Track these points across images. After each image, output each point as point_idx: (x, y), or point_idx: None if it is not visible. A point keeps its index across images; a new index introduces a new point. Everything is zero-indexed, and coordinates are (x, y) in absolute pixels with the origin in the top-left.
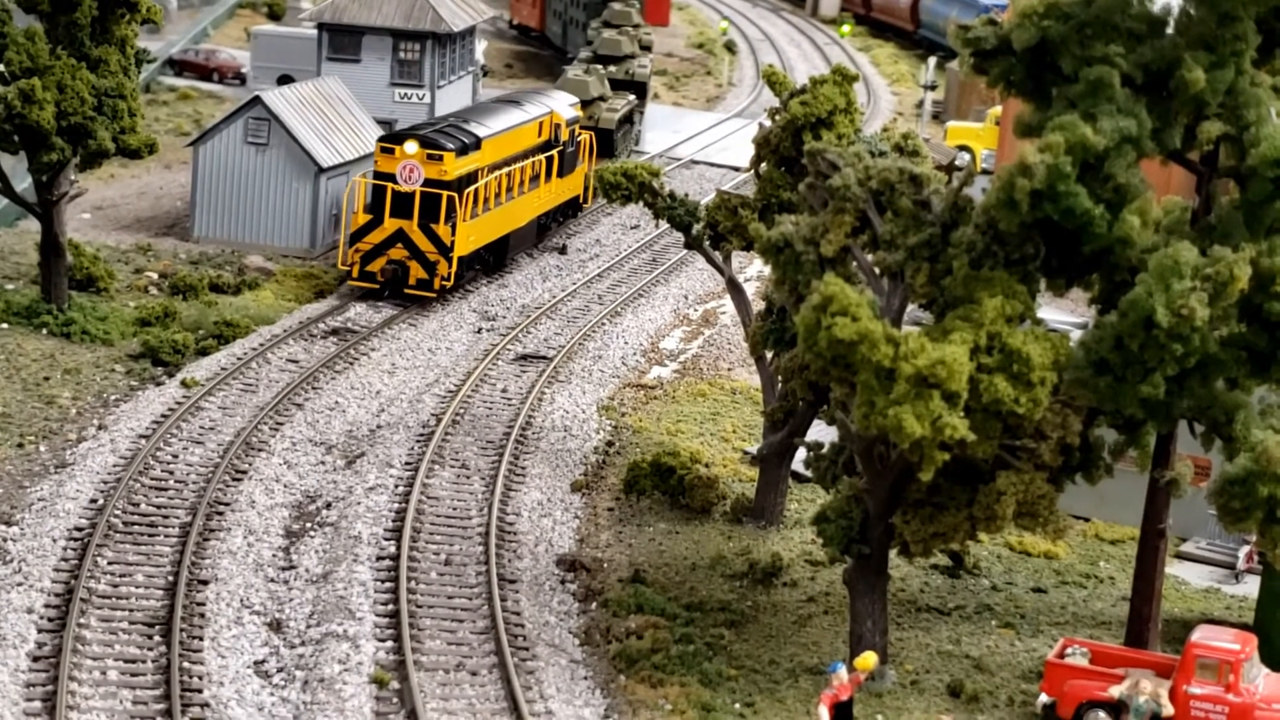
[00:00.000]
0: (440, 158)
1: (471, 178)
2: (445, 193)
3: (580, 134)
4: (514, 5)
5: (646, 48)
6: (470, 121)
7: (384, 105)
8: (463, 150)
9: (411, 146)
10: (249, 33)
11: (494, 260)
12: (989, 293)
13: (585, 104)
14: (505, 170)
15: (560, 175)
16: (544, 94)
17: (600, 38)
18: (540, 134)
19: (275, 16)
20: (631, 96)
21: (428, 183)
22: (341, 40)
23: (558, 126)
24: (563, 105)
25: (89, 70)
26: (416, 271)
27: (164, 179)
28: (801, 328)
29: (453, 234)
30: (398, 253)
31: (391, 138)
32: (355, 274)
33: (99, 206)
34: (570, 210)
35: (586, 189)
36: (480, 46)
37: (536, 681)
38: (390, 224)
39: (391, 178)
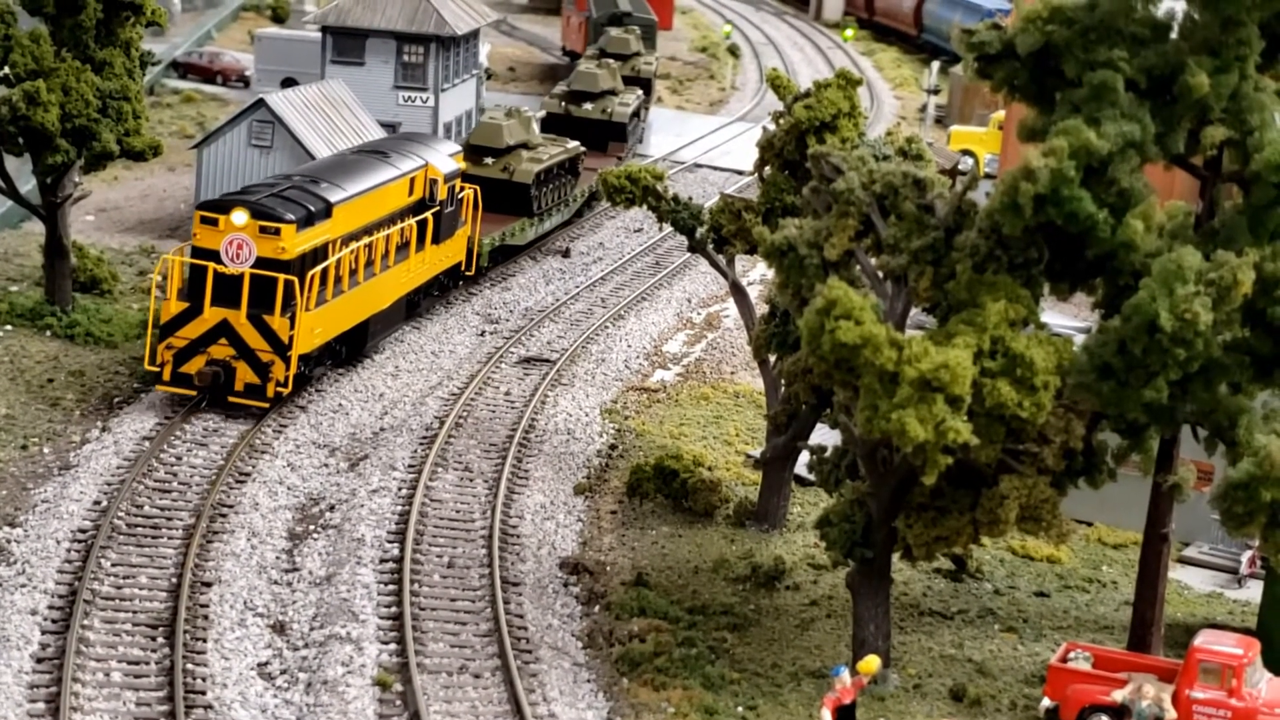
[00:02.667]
0: (276, 231)
1: (318, 254)
2: (282, 276)
3: (463, 189)
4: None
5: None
6: (321, 182)
7: (388, 108)
8: (306, 220)
9: (240, 217)
10: (253, 35)
11: (348, 351)
12: (992, 297)
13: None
14: (364, 241)
15: (437, 241)
16: (419, 143)
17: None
18: (411, 193)
19: (279, 19)
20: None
21: (260, 262)
22: (345, 43)
23: (433, 183)
24: (441, 157)
25: (93, 72)
26: (245, 375)
27: (168, 181)
28: (805, 331)
29: (292, 327)
30: (221, 350)
31: (214, 205)
32: (166, 376)
33: (103, 209)
34: (452, 278)
35: (470, 254)
36: (484, 50)
37: (539, 684)
38: (212, 314)
39: (214, 255)
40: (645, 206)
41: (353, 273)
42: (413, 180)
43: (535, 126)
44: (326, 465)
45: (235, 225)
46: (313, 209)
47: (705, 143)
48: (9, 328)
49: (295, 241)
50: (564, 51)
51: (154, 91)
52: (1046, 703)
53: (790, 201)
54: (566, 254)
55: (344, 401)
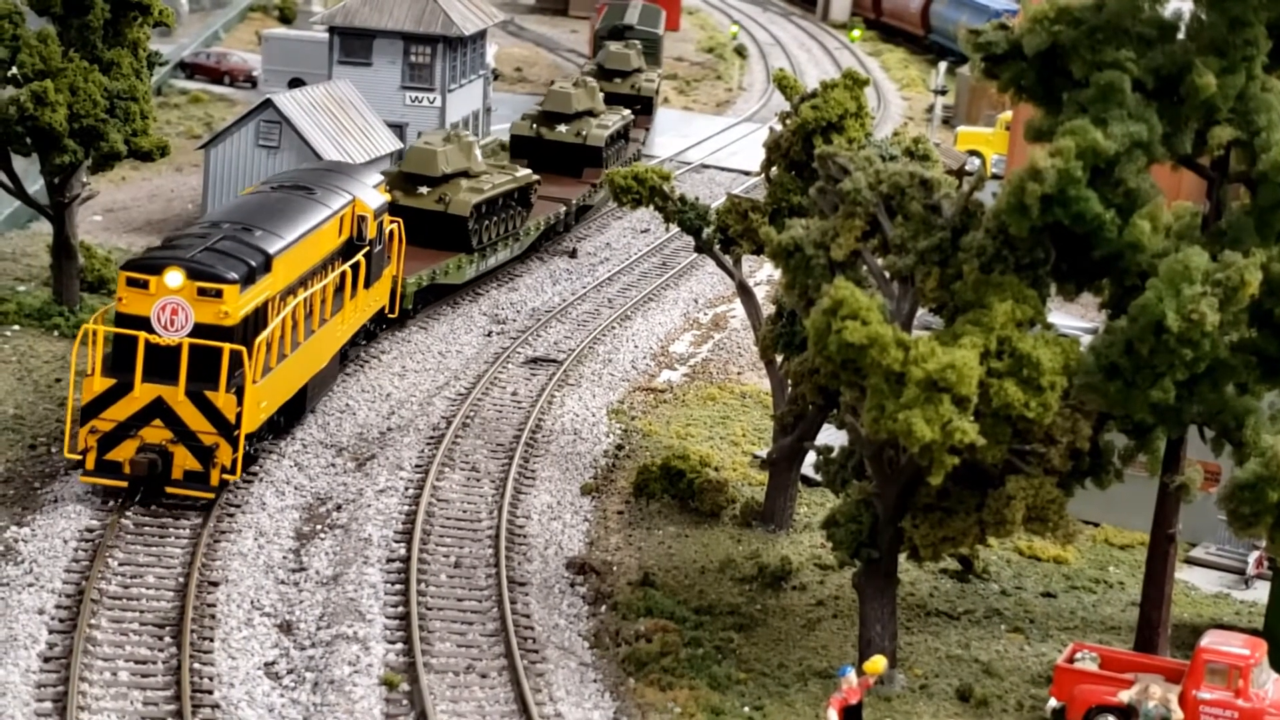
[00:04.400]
0: (218, 294)
1: (262, 316)
2: (227, 345)
3: (389, 224)
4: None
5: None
6: (255, 230)
7: (395, 108)
8: (249, 278)
9: (174, 278)
10: (260, 36)
11: (286, 419)
12: (999, 297)
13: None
14: (303, 295)
15: (367, 285)
16: (343, 174)
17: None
18: (341, 232)
19: (286, 20)
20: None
21: (200, 330)
22: (352, 43)
23: (362, 220)
24: (367, 190)
25: (101, 73)
26: (184, 460)
27: (175, 181)
28: (812, 331)
29: (239, 404)
30: (155, 433)
31: (142, 264)
32: (90, 465)
33: (110, 209)
34: (377, 323)
35: (393, 295)
36: (491, 50)
37: (546, 684)
38: (143, 391)
39: (144, 323)
40: (652, 207)
41: (294, 331)
42: (342, 219)
43: (477, 152)
44: (334, 465)
45: (169, 288)
46: (253, 264)
47: (712, 143)
48: (17, 328)
49: (239, 304)
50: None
51: (161, 92)
52: (1053, 703)
53: (797, 202)
54: (573, 254)
55: (351, 401)
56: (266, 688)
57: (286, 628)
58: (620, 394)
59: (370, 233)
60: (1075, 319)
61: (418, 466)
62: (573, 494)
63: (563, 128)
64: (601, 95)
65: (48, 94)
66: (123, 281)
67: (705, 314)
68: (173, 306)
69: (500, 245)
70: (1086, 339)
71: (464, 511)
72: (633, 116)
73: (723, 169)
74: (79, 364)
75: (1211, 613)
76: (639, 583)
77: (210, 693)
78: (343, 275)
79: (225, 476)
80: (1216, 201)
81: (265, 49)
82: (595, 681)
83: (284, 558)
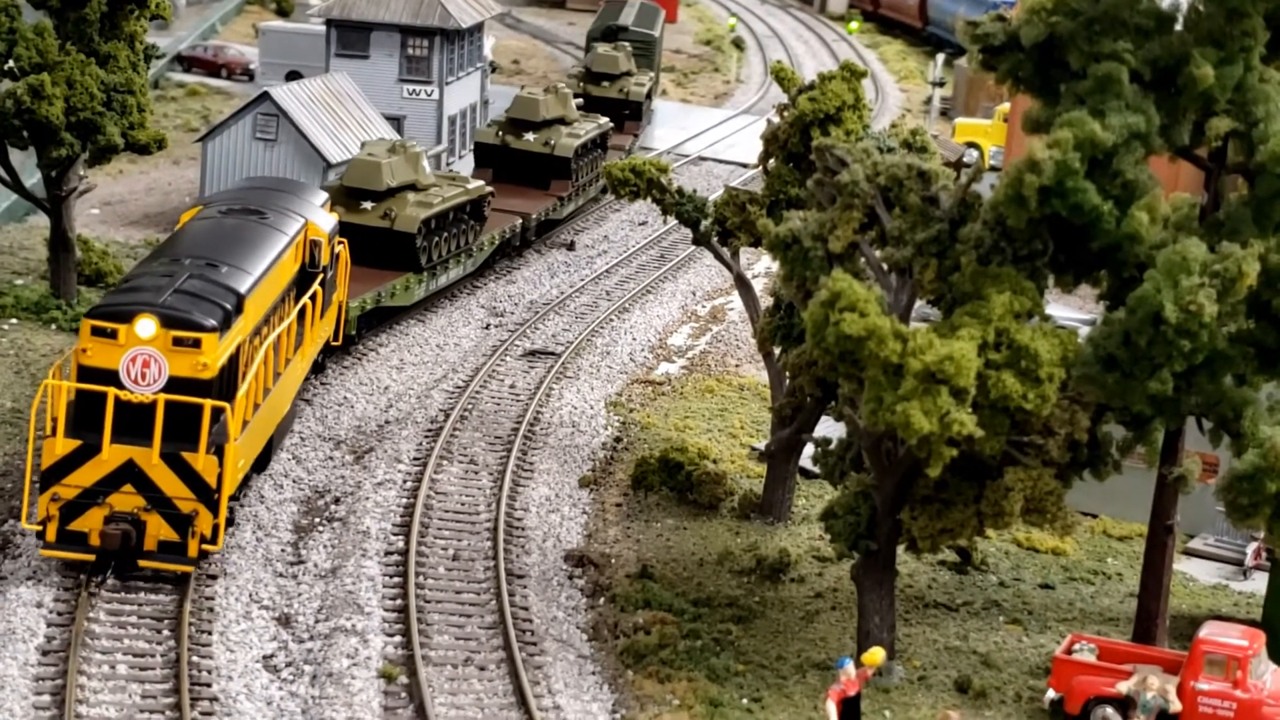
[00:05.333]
0: (195, 343)
1: (235, 364)
2: (209, 402)
3: (338, 246)
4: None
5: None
6: (221, 265)
7: (392, 101)
8: (225, 323)
9: (147, 326)
10: (257, 29)
11: (252, 473)
12: (997, 289)
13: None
14: (269, 335)
15: (322, 315)
16: (289, 193)
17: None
18: (297, 259)
19: (283, 13)
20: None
21: (174, 384)
22: (350, 36)
23: (315, 246)
24: (316, 210)
25: (98, 66)
26: (158, 530)
27: (173, 175)
28: (809, 323)
29: (220, 465)
30: (126, 501)
31: (109, 311)
32: (51, 536)
33: (108, 202)
34: (324, 354)
35: (338, 323)
36: (489, 43)
37: (544, 676)
38: (113, 454)
39: (112, 377)
40: (650, 199)
41: (262, 375)
42: (297, 246)
43: (425, 163)
44: (332, 458)
45: (140, 337)
46: (228, 307)
47: (710, 136)
48: (14, 321)
49: (218, 352)
50: None
51: (158, 85)
52: (1051, 694)
53: (795, 194)
54: (571, 247)
55: (349, 394)
56: (265, 680)
57: (285, 621)
58: (618, 386)
59: (324, 258)
60: (1073, 310)
61: (416, 459)
62: (571, 486)
63: (530, 136)
64: (575, 101)
65: (44, 87)
66: (86, 331)
67: (703, 306)
68: (144, 358)
69: (452, 263)
70: (1084, 330)
71: (462, 504)
72: (610, 125)
73: (720, 161)
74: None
75: (1210, 604)
76: (637, 575)
77: (209, 685)
78: (304, 306)
79: (205, 547)
80: (1214, 193)
81: (262, 42)
82: (594, 674)
83: (282, 551)
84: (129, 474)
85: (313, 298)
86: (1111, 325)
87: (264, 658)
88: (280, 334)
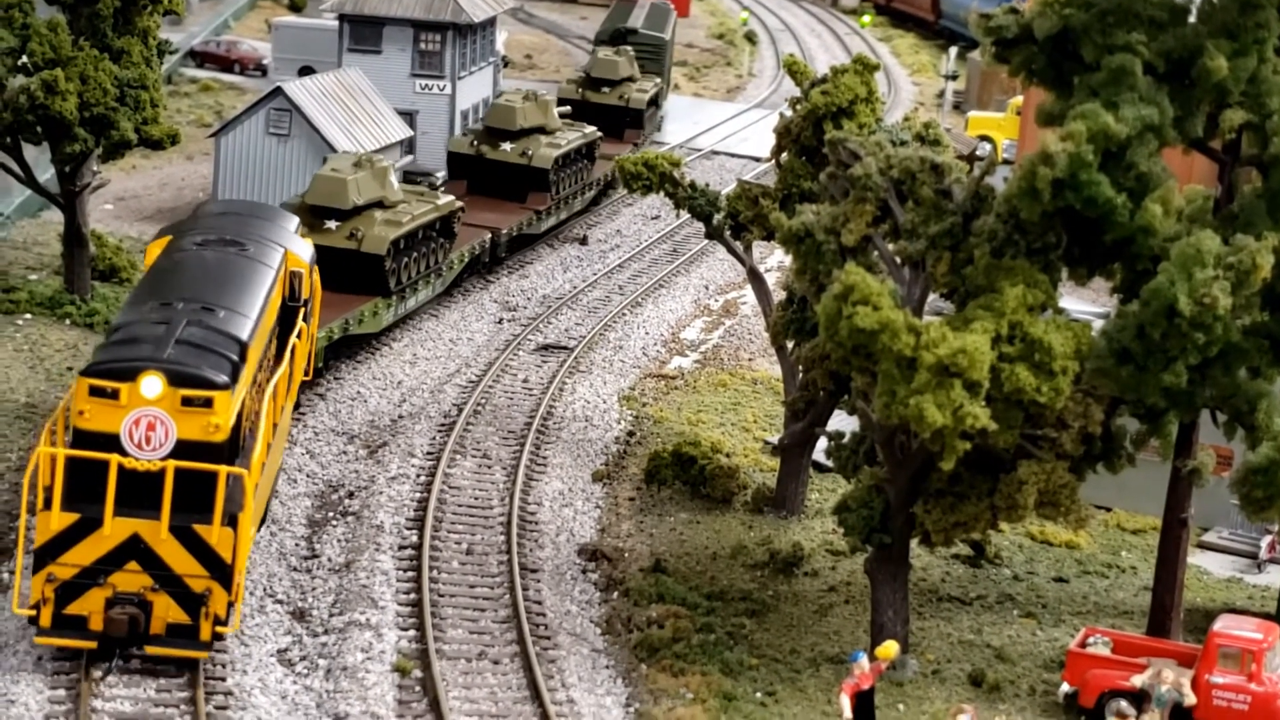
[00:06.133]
0: (207, 402)
1: (240, 421)
2: (223, 469)
3: (312, 275)
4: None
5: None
6: (215, 309)
7: (405, 96)
8: (233, 375)
9: (153, 385)
10: (270, 24)
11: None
12: (1010, 282)
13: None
14: (268, 383)
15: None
16: (262, 219)
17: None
18: (280, 293)
19: (296, 8)
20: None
21: (183, 448)
22: (362, 31)
23: (296, 278)
24: (292, 237)
25: (111, 61)
26: (167, 611)
27: (186, 170)
28: (822, 317)
29: (235, 538)
30: (130, 579)
31: (111, 369)
32: (46, 621)
33: (121, 197)
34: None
35: (309, 356)
36: (501, 37)
37: (558, 670)
38: (116, 528)
39: (112, 442)
40: (662, 193)
41: (261, 429)
42: (281, 280)
43: (393, 179)
44: (345, 452)
45: (145, 398)
46: (234, 358)
47: (722, 129)
48: (29, 316)
49: (230, 413)
50: None
51: (171, 80)
52: (1065, 688)
53: (808, 187)
54: (584, 241)
55: (362, 389)
56: (280, 675)
57: (299, 615)
58: (631, 381)
59: (305, 291)
60: (1087, 303)
61: (429, 453)
62: (584, 481)
63: (507, 146)
64: (562, 109)
65: (58, 83)
66: (83, 391)
67: (716, 300)
68: (149, 420)
69: (421, 284)
70: (1098, 323)
71: (475, 498)
72: (598, 134)
73: (733, 155)
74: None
75: (1224, 597)
76: (650, 569)
77: (223, 679)
78: (290, 346)
79: (219, 629)
80: (1228, 185)
81: (275, 37)
82: (607, 668)
83: (296, 545)
84: (134, 550)
85: (299, 334)
86: (1125, 318)
87: (279, 652)
88: (280, 381)
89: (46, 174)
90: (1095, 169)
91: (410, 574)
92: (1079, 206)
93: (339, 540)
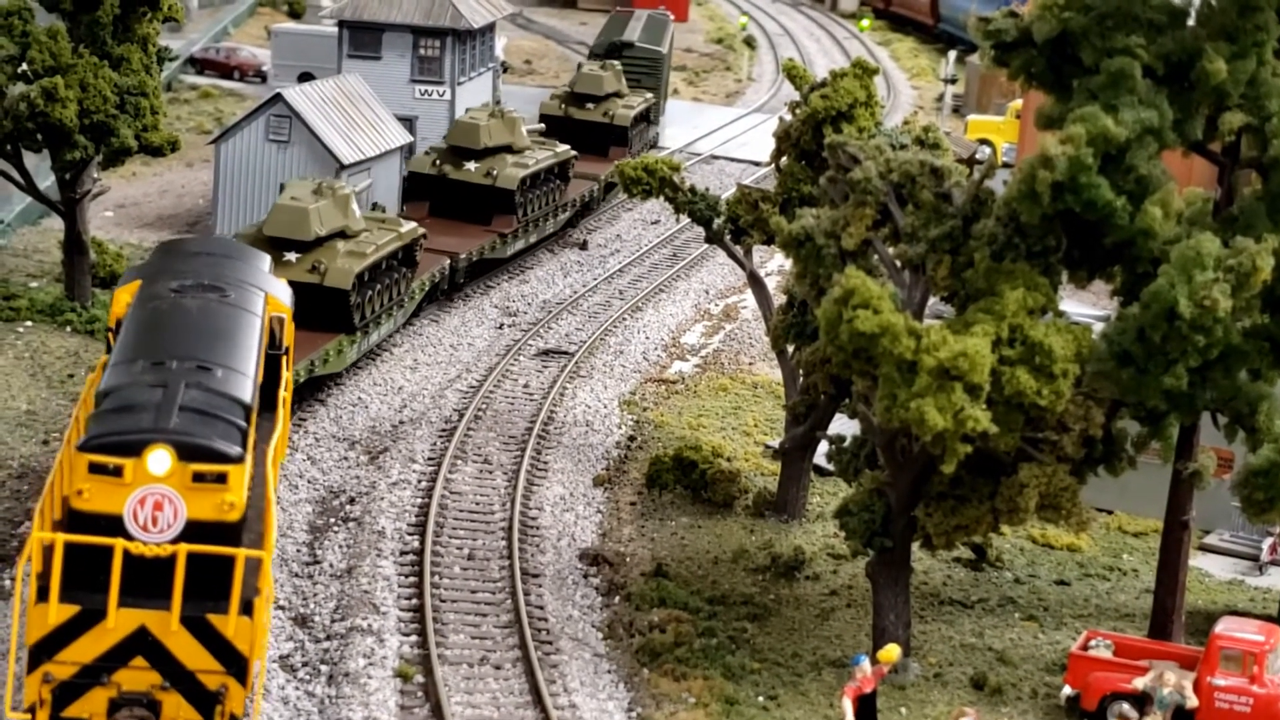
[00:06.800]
0: (221, 478)
1: (251, 496)
2: (241, 552)
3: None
4: None
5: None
6: (212, 368)
7: (405, 102)
8: (241, 443)
9: (161, 460)
10: (269, 31)
11: None
12: (1011, 285)
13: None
14: (268, 447)
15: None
16: (237, 259)
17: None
18: (265, 342)
19: (296, 14)
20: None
21: (193, 529)
22: (361, 37)
23: (279, 323)
24: (272, 280)
25: (111, 68)
26: (177, 711)
27: (186, 177)
28: (823, 321)
29: (253, 627)
30: (137, 678)
31: (113, 443)
32: None
33: (121, 204)
34: None
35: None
36: (500, 43)
37: (560, 675)
38: (121, 620)
39: (114, 525)
40: (662, 198)
41: (259, 500)
42: (265, 328)
43: (354, 206)
44: (346, 458)
45: (152, 474)
46: (242, 424)
47: (722, 134)
48: (29, 323)
49: (244, 488)
50: None
51: (171, 87)
52: (1068, 691)
53: (807, 191)
54: (584, 246)
55: (363, 395)
56: (282, 680)
57: (301, 621)
58: (632, 385)
59: (286, 338)
60: (1087, 306)
61: (430, 459)
62: (585, 485)
63: (471, 166)
64: (525, 128)
65: (58, 90)
66: (82, 469)
67: (716, 305)
68: (156, 499)
69: (384, 317)
70: (1098, 326)
71: (477, 504)
72: (573, 153)
73: (733, 159)
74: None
75: (1225, 599)
76: (652, 573)
77: None
78: (277, 400)
79: None
80: (1228, 187)
81: (274, 44)
82: (609, 672)
83: (298, 551)
84: (140, 644)
85: (285, 383)
86: (1125, 321)
87: (281, 658)
88: (280, 440)
89: (47, 181)
90: (1095, 172)
91: (412, 579)
92: (1079, 209)
93: (340, 546)
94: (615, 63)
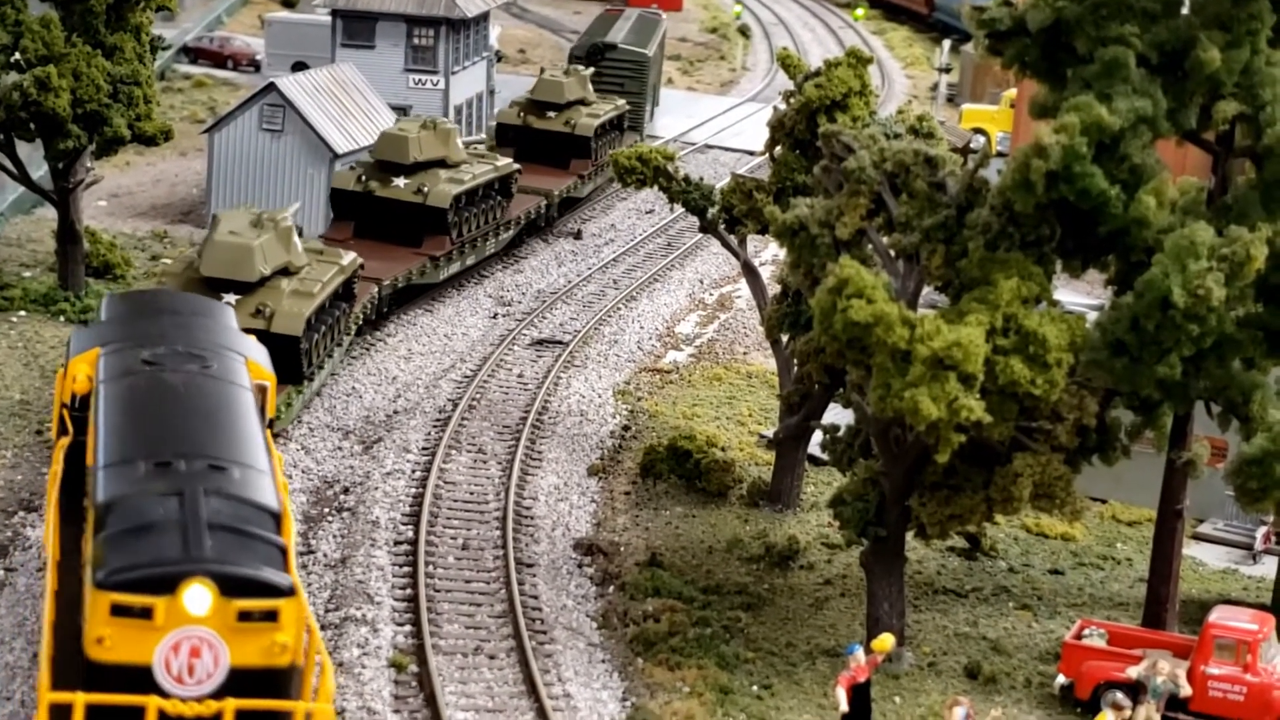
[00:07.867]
0: (271, 615)
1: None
2: (301, 705)
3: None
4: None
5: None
6: (226, 466)
7: (398, 91)
8: (286, 568)
9: (201, 598)
10: (263, 20)
11: None
12: (1005, 274)
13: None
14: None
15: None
16: (208, 317)
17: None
18: None
19: (289, 4)
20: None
21: (238, 679)
22: (355, 26)
23: (263, 391)
24: (243, 339)
25: (104, 57)
26: None
27: (179, 166)
28: (817, 310)
29: None
30: None
31: (140, 579)
32: None
33: (115, 194)
34: None
35: None
36: (494, 32)
37: (554, 665)
38: None
39: (145, 678)
40: (656, 187)
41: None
42: (253, 401)
43: (296, 239)
44: (341, 448)
45: (192, 615)
46: (281, 543)
47: (716, 123)
48: (23, 313)
49: (298, 625)
50: None
51: (165, 76)
52: (1061, 679)
53: (802, 181)
54: (578, 236)
55: (358, 384)
56: None
57: None
58: (626, 375)
59: (271, 409)
60: (1081, 295)
61: (424, 449)
62: (579, 475)
63: (400, 182)
64: (461, 140)
65: (51, 79)
66: (104, 610)
67: (710, 294)
68: (193, 644)
69: (326, 359)
70: (1092, 315)
71: (471, 493)
72: (515, 166)
73: (727, 149)
74: None
75: (1219, 588)
76: (646, 563)
77: None
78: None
79: None
80: (1222, 176)
81: (268, 33)
82: (604, 662)
83: (292, 541)
84: None
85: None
86: (1119, 310)
87: None
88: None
89: (40, 171)
90: (1089, 161)
91: (406, 569)
92: (1073, 199)
93: (335, 536)
94: (580, 68)
